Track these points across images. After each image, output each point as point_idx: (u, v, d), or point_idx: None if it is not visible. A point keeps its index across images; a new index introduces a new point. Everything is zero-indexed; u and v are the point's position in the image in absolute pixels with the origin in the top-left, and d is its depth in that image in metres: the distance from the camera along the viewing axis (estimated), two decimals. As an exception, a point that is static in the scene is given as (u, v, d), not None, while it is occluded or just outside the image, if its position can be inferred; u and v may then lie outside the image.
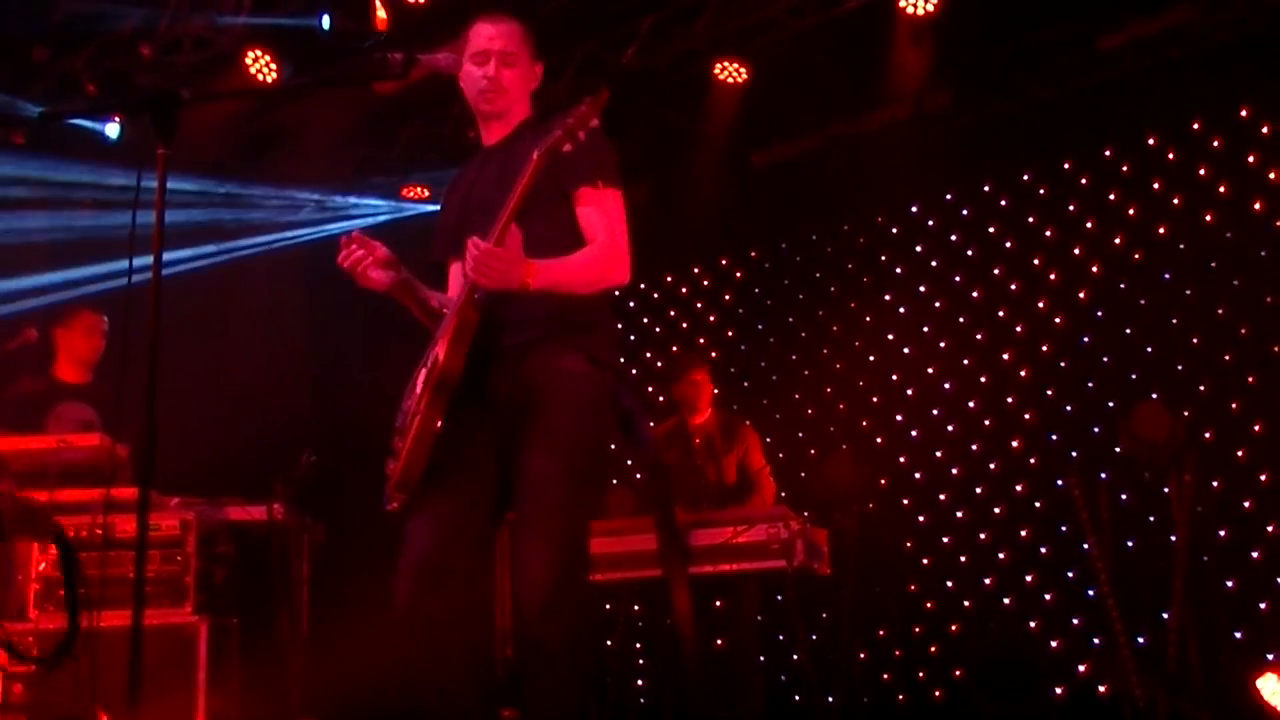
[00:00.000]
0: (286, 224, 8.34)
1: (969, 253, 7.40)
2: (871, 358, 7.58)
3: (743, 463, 6.05)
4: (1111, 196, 6.87)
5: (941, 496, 7.17)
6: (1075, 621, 6.41)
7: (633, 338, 8.62)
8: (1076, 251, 6.97)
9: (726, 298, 8.43)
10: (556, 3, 6.46)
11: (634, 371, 8.53)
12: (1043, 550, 6.68)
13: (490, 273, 2.69)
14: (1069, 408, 6.77)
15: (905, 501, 7.27)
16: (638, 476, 7.97)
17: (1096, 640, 6.19)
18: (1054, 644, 6.46)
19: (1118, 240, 6.82)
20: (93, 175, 7.07)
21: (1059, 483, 6.33)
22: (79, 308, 5.63)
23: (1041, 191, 7.17)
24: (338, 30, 6.51)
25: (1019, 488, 6.85)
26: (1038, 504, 6.74)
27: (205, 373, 7.09)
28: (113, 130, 7.14)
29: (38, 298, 6.77)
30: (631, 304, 8.61)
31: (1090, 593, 6.09)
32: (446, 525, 2.87)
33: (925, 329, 7.44)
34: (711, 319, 8.47)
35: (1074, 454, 6.58)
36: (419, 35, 6.02)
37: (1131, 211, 6.79)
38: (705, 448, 6.08)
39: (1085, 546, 5.18)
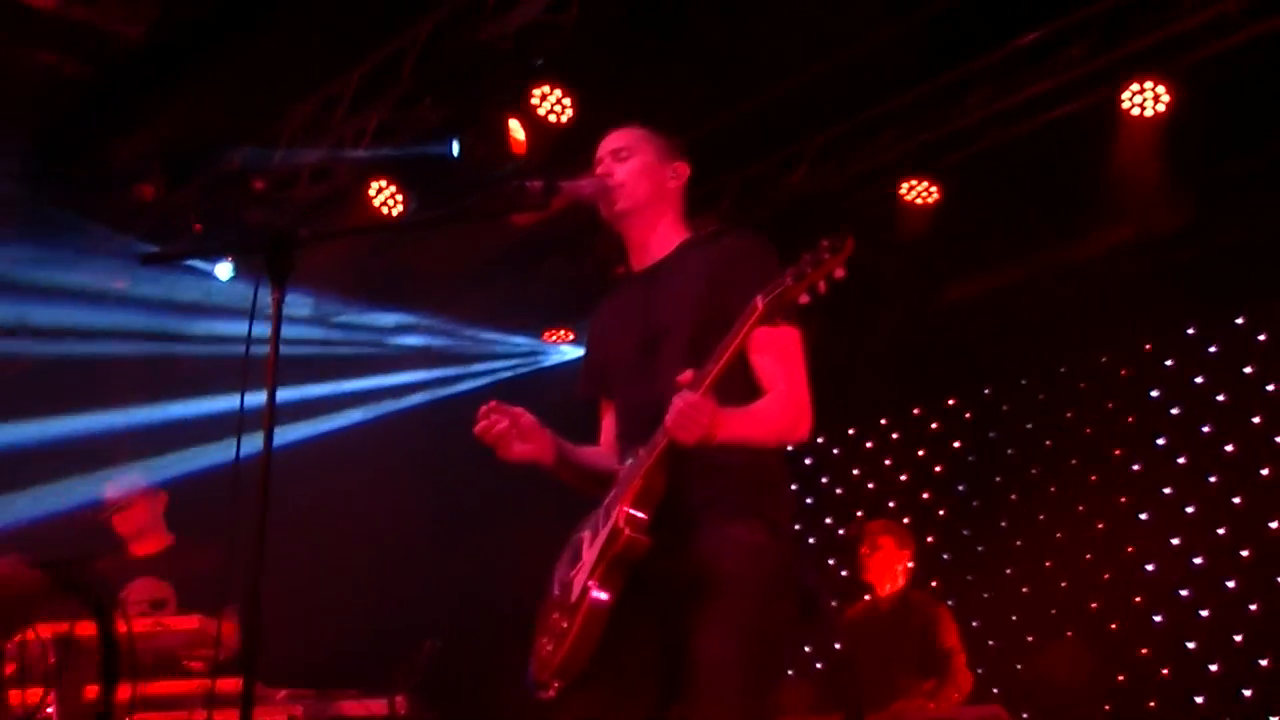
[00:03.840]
0: (412, 377, 8.54)
1: (1219, 398, 7.19)
2: (1100, 525, 7.38)
3: (927, 637, 5.80)
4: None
5: (1198, 699, 6.82)
6: None
7: (809, 501, 8.54)
8: (1358, 394, 6.68)
9: (920, 454, 8.34)
10: (713, 122, 6.57)
11: (811, 541, 8.42)
12: (1335, 771, 6.28)
13: (694, 429, 2.67)
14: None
15: (1150, 704, 6.95)
16: (818, 666, 7.83)
17: None
18: None
19: None
20: (201, 325, 7.40)
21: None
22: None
23: (1310, 323, 6.94)
24: (469, 157, 6.75)
25: (1299, 690, 6.48)
26: (1327, 710, 6.37)
27: (314, 546, 7.22)
28: (224, 271, 7.47)
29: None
30: (808, 461, 8.54)
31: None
32: None
33: (1166, 490, 7.22)
34: (903, 479, 8.36)
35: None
36: (561, 159, 6.19)
37: None
38: (887, 628, 5.89)
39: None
